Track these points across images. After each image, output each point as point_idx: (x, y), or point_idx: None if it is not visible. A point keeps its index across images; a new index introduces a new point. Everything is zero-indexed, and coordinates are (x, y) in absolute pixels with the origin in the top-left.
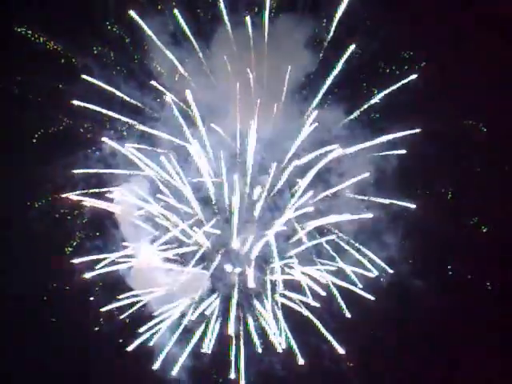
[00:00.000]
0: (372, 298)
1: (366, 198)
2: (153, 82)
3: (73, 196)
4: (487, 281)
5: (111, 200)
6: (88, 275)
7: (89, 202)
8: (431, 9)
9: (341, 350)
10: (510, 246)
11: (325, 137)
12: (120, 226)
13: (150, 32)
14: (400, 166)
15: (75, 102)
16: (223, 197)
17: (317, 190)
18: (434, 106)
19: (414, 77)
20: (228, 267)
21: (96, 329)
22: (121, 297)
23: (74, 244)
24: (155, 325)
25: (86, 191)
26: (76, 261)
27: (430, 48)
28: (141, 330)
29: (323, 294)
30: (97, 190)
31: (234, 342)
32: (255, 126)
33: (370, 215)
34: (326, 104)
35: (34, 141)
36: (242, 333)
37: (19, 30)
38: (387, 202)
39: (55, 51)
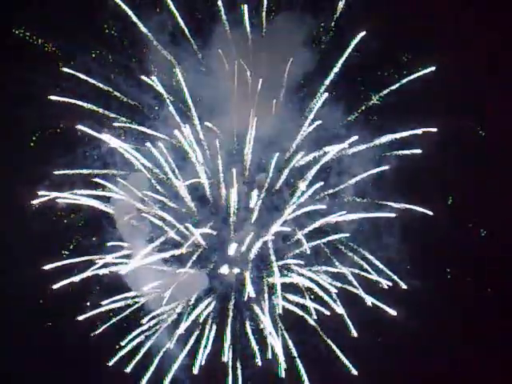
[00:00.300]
0: (394, 313)
1: (386, 202)
2: (143, 77)
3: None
4: (486, 283)
5: (108, 199)
6: (57, 285)
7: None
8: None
9: (354, 371)
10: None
11: (325, 136)
12: (117, 226)
13: (144, 29)
14: (400, 168)
15: (52, 97)
16: (220, 195)
17: (318, 188)
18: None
19: (432, 68)
20: (224, 269)
21: (92, 334)
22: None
23: (71, 247)
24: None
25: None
26: (47, 267)
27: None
28: (123, 342)
29: (341, 311)
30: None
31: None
32: (254, 124)
33: (392, 215)
34: (325, 103)
35: (32, 144)
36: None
37: (17, 32)
38: (403, 206)
39: (54, 54)
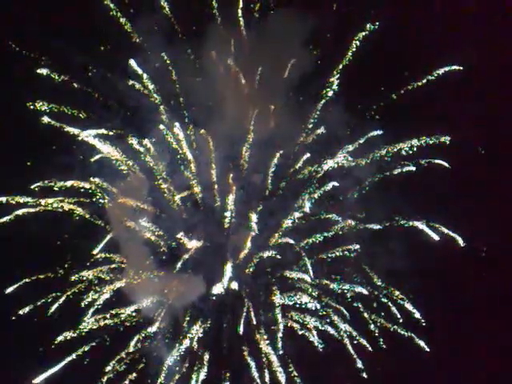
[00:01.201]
0: (427, 349)
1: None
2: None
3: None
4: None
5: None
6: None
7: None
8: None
9: None
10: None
11: (327, 136)
12: (111, 230)
13: (136, 35)
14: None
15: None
16: (215, 200)
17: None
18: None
19: (458, 68)
20: (218, 288)
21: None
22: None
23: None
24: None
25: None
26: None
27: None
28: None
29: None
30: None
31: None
32: (251, 127)
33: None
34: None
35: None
36: None
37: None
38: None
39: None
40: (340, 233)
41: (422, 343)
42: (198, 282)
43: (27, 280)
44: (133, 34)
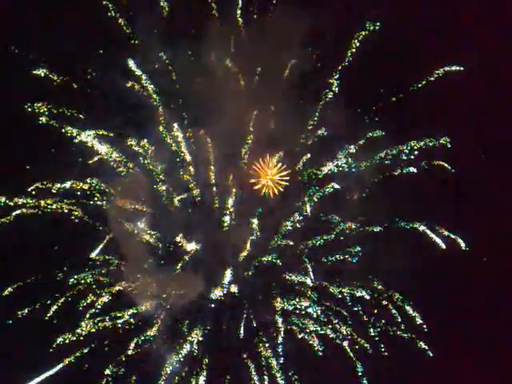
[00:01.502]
0: (427, 351)
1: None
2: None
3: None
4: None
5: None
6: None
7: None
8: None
9: None
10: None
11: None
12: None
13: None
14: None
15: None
16: (214, 200)
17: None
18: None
19: (460, 68)
20: (217, 293)
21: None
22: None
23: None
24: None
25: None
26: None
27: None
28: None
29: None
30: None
31: None
32: (251, 126)
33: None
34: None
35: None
36: None
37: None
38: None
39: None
40: (341, 238)
41: (422, 344)
42: (197, 282)
43: (26, 282)
44: (132, 34)
